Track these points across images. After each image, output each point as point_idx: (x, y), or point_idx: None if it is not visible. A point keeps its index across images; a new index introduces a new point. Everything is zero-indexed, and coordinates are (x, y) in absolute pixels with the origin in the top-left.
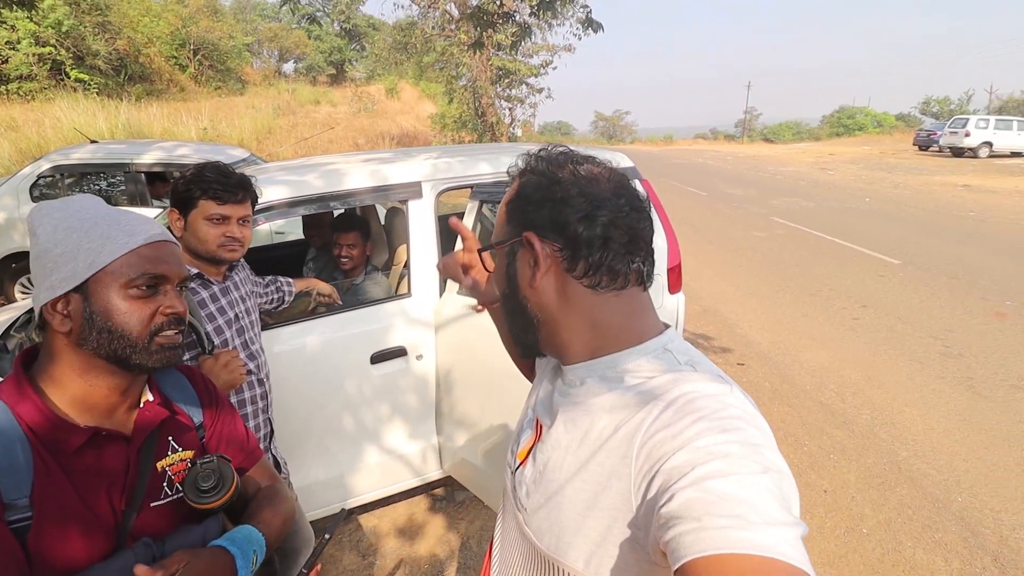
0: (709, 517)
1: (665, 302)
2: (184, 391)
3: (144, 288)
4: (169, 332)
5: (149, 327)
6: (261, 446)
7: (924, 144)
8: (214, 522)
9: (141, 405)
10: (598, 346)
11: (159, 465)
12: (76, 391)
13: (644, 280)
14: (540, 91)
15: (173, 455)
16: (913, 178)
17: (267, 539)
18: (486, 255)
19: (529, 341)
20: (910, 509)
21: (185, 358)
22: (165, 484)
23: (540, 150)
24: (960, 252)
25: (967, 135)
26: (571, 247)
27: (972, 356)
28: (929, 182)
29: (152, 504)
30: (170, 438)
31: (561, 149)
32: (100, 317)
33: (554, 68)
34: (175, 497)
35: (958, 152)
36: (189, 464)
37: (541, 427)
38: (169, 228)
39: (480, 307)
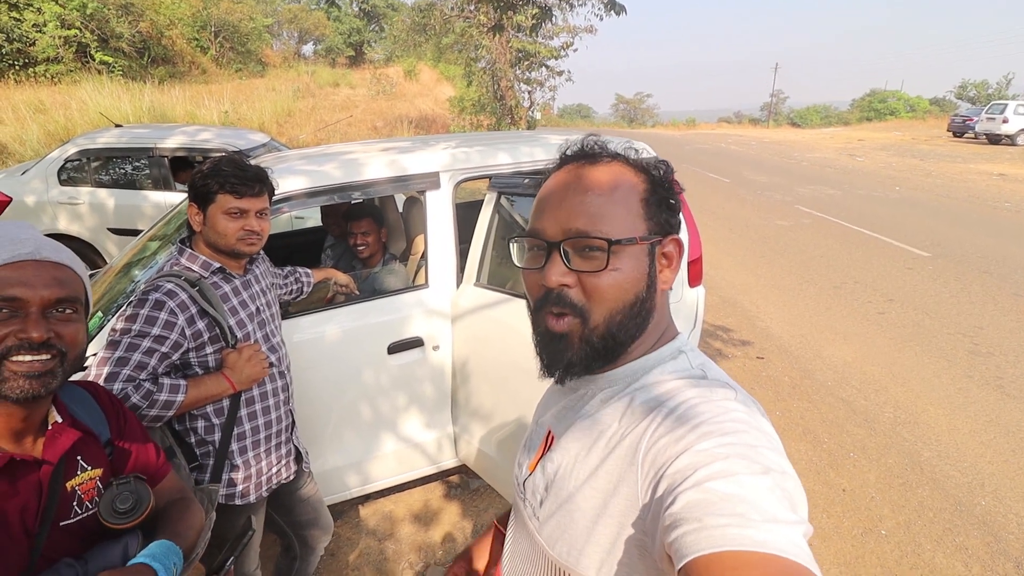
0: (710, 517)
1: (685, 295)
2: (89, 408)
3: None
4: (22, 358)
5: None
6: (283, 437)
7: (959, 130)
8: (133, 539)
9: (49, 426)
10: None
11: (68, 485)
12: None
13: None
14: (560, 74)
15: (82, 474)
16: (946, 166)
17: (183, 550)
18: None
19: (622, 347)
20: (931, 511)
21: (208, 352)
22: (75, 504)
23: (629, 145)
24: (994, 245)
25: (1005, 121)
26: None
27: (1002, 355)
28: (963, 170)
29: (61, 523)
30: (79, 457)
31: (647, 148)
32: None
33: (575, 50)
34: (84, 516)
35: (995, 139)
36: (99, 484)
37: (552, 437)
38: (189, 222)
39: None
